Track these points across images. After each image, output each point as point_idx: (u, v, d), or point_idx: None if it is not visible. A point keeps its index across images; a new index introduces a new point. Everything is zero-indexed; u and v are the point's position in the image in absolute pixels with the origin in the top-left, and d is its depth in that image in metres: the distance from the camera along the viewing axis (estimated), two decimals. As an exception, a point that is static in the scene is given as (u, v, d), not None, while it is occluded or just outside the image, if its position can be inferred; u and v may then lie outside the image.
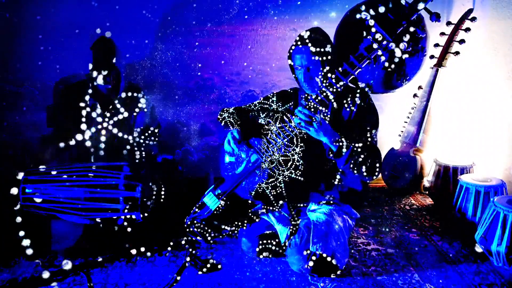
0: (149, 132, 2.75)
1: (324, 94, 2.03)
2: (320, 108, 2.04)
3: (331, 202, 2.21)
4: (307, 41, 2.09)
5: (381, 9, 2.02)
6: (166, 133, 3.28)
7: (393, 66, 2.21)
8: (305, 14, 3.14)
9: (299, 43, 2.11)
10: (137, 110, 2.70)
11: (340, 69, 2.03)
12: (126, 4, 3.05)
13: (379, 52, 1.99)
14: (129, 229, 2.30)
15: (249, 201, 2.32)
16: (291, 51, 2.16)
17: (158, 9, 3.08)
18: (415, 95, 3.04)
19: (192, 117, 3.29)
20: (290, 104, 2.29)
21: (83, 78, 2.70)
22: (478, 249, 2.23)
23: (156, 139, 2.79)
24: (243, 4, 3.10)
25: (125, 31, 3.07)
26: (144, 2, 3.06)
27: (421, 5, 1.96)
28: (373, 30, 1.99)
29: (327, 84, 2.03)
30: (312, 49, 2.08)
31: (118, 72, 2.63)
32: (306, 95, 2.14)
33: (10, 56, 3.04)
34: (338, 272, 2.04)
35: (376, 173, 2.09)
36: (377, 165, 2.08)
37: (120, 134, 2.59)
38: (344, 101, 2.15)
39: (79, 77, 2.88)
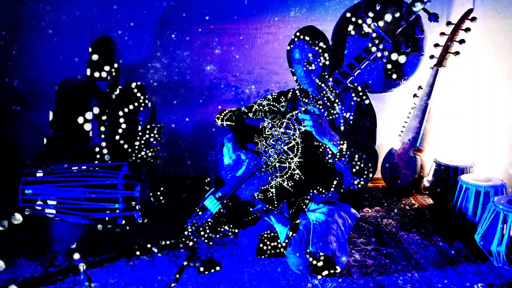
0: (150, 132, 2.75)
1: (325, 96, 2.03)
2: (321, 108, 2.04)
3: (331, 202, 2.21)
4: (304, 36, 2.12)
5: (379, 10, 2.02)
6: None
7: (391, 66, 2.21)
8: (307, 14, 3.15)
9: (296, 38, 2.13)
10: (137, 108, 2.69)
11: (339, 70, 2.03)
12: (137, 4, 3.06)
13: (378, 54, 1.99)
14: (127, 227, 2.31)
15: (249, 202, 2.32)
16: (288, 48, 2.17)
17: (169, 8, 3.09)
18: (415, 95, 3.04)
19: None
20: (288, 102, 2.29)
21: (84, 79, 2.70)
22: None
23: (158, 139, 2.79)
24: (251, 3, 3.12)
25: (138, 31, 3.09)
26: (156, 2, 3.08)
27: (419, 6, 1.95)
28: (373, 31, 1.99)
29: (326, 85, 2.03)
30: (310, 40, 2.10)
31: (117, 65, 2.63)
32: (305, 99, 2.14)
33: (23, 55, 3.04)
34: (338, 272, 2.04)
35: (371, 175, 2.10)
36: (373, 167, 2.08)
37: (120, 134, 2.59)
38: (341, 104, 2.16)
39: (81, 78, 2.89)
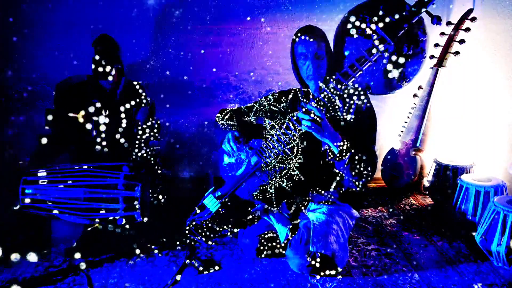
0: (149, 129, 2.74)
1: (326, 96, 2.02)
2: (322, 109, 2.04)
3: (331, 202, 2.21)
4: (306, 34, 2.10)
5: (382, 12, 2.02)
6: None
7: (393, 68, 2.20)
8: (308, 14, 3.15)
9: (298, 36, 2.11)
10: (136, 106, 2.69)
11: (341, 71, 2.03)
12: (138, 4, 3.07)
13: (380, 55, 1.99)
14: (127, 226, 2.31)
15: (249, 202, 2.32)
16: (292, 44, 2.15)
17: (169, 8, 3.10)
18: (415, 95, 3.04)
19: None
20: (288, 102, 2.28)
21: (84, 78, 2.69)
22: None
23: (158, 137, 2.78)
24: (251, 3, 3.12)
25: (138, 31, 3.10)
26: (156, 1, 3.09)
27: (422, 8, 1.96)
28: (375, 32, 1.99)
29: (327, 86, 2.03)
30: (313, 37, 2.08)
31: (121, 66, 2.62)
32: (305, 99, 2.14)
33: (25, 55, 3.04)
34: (338, 272, 2.05)
35: (370, 177, 2.09)
36: (372, 168, 2.08)
37: (121, 132, 2.59)
38: (342, 105, 2.15)
39: (81, 77, 2.89)
